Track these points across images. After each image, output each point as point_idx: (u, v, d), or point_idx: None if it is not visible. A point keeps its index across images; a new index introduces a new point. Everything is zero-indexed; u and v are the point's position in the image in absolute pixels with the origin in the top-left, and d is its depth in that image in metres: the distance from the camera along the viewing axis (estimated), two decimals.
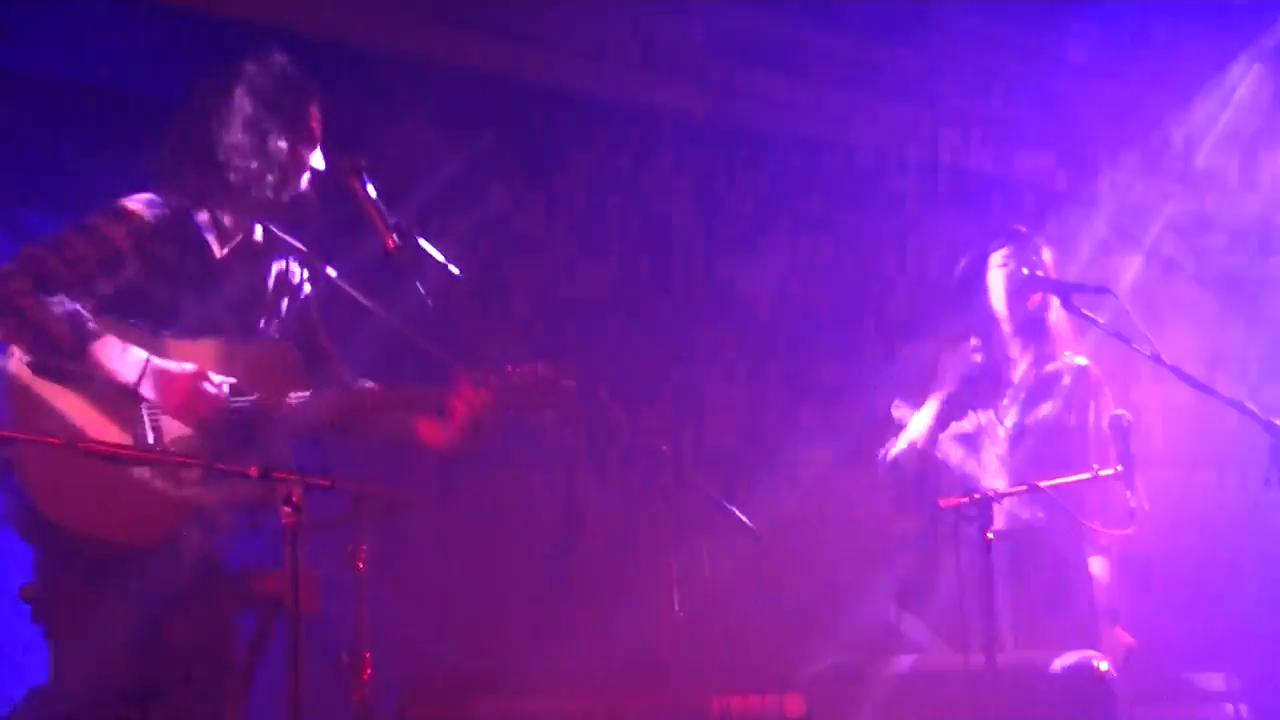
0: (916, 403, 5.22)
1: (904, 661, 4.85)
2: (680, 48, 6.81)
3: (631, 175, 6.60)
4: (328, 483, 3.53)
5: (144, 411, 3.76)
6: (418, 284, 3.96)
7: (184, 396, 3.75)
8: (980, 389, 5.18)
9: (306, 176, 3.99)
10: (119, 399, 3.74)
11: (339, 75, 5.83)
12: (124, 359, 3.72)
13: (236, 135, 3.91)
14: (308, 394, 3.93)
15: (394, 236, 3.96)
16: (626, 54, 6.63)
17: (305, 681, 3.33)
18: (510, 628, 6.25)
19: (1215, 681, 5.28)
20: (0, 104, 5.55)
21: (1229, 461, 6.54)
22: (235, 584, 4.12)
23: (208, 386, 3.78)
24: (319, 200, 4.01)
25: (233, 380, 3.84)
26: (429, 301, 3.96)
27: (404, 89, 6.04)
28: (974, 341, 5.13)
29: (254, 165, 3.91)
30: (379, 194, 4.00)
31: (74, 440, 3.64)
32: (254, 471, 3.40)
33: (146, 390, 3.73)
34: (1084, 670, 4.57)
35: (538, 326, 4.29)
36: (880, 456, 5.19)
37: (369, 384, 4.07)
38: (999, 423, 5.18)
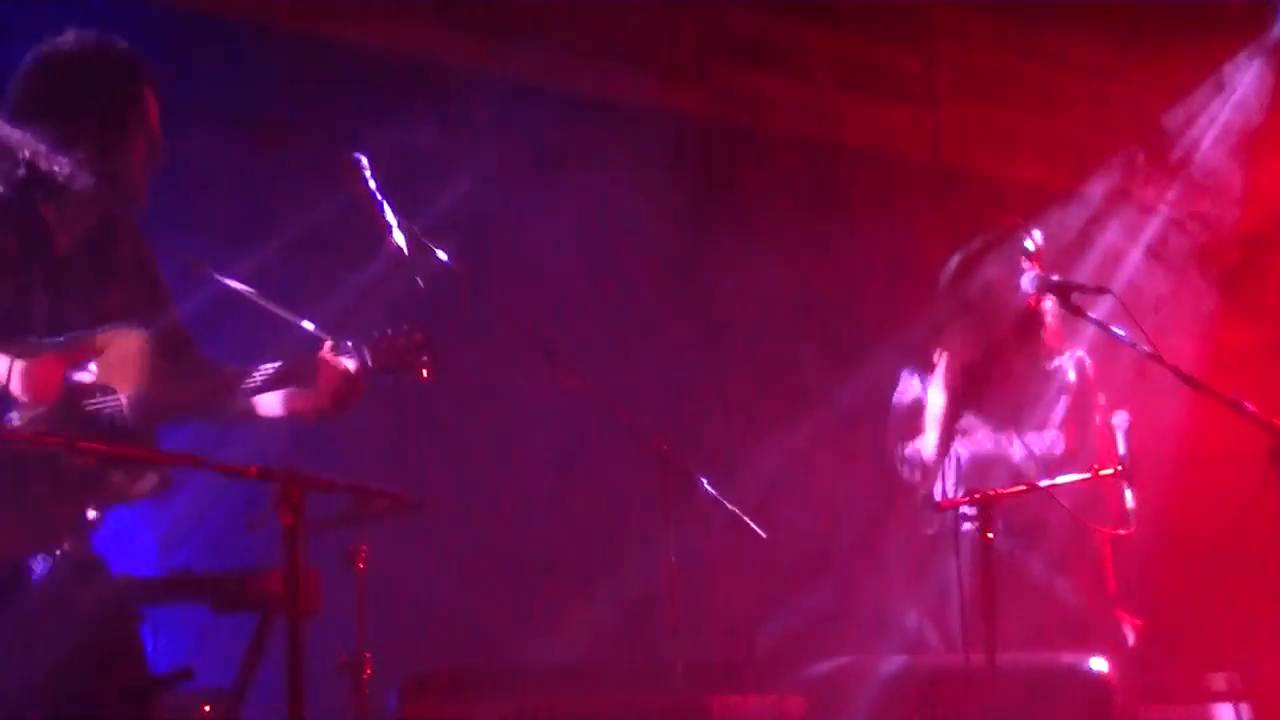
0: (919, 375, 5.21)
1: (904, 661, 4.84)
2: (680, 48, 6.81)
3: (631, 175, 6.60)
4: (328, 483, 3.52)
5: (12, 416, 3.71)
6: (419, 280, 3.95)
7: (57, 387, 3.70)
8: (984, 373, 5.16)
9: (132, 161, 3.91)
10: None
11: (339, 75, 5.85)
12: None
13: (44, 123, 3.85)
14: (172, 381, 3.85)
15: (397, 233, 3.96)
16: (626, 54, 6.63)
17: (305, 681, 3.32)
18: (510, 627, 6.25)
19: (1216, 681, 5.28)
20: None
21: (1229, 462, 6.54)
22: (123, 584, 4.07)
23: (82, 376, 3.73)
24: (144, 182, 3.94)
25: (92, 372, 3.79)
26: (429, 299, 3.96)
27: (404, 88, 6.04)
28: (970, 332, 5.12)
29: (66, 155, 3.84)
30: (382, 191, 3.99)
31: (74, 440, 3.64)
32: (253, 471, 3.39)
33: (16, 389, 3.68)
34: (1084, 670, 4.57)
35: (538, 326, 4.30)
36: (899, 455, 5.16)
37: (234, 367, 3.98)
38: (1023, 446, 5.16)
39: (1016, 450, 5.13)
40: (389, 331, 3.91)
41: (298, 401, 3.99)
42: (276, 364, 3.88)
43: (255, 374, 3.87)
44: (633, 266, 6.70)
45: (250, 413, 4.01)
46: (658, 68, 6.76)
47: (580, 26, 6.54)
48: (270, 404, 4.01)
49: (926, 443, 5.13)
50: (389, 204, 3.98)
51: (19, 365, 3.68)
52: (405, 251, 3.96)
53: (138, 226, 4.01)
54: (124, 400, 3.77)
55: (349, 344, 3.88)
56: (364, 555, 4.83)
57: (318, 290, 5.84)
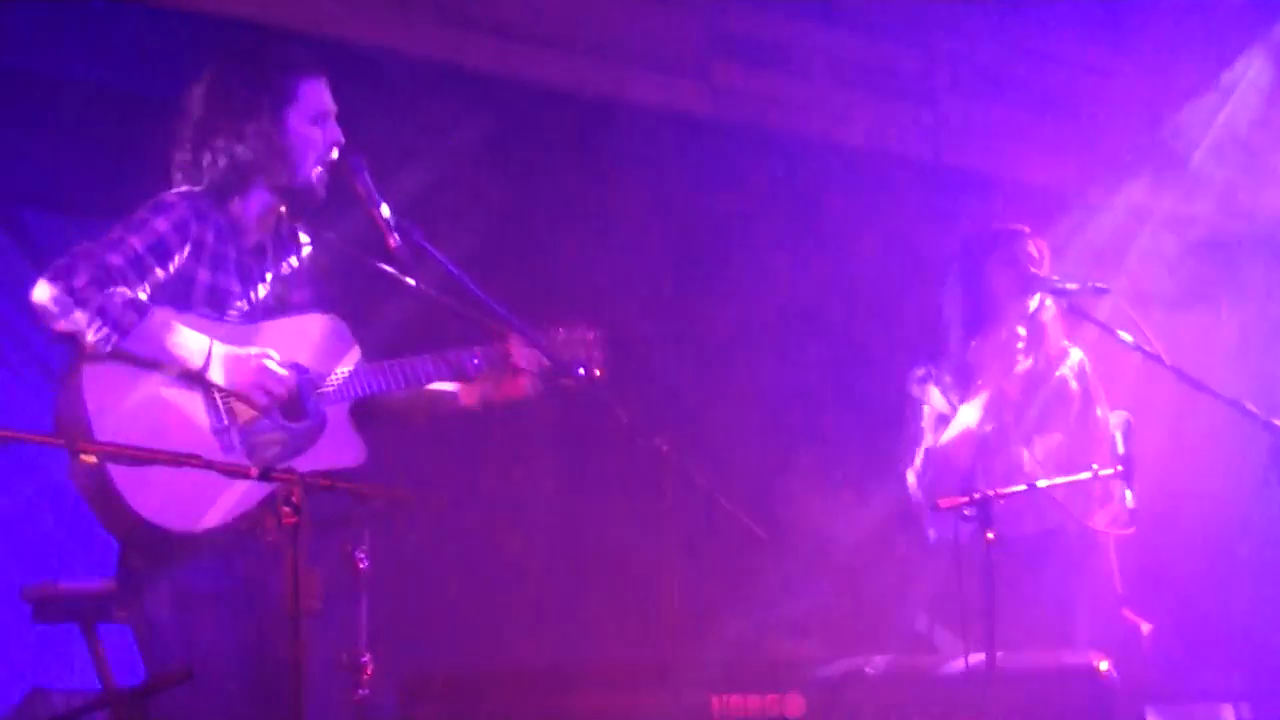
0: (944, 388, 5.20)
1: (903, 661, 4.84)
2: (680, 48, 6.81)
3: (631, 175, 6.61)
4: (328, 483, 3.53)
5: (216, 396, 3.79)
6: (417, 280, 3.97)
7: (252, 376, 3.80)
8: (1005, 396, 5.15)
9: (319, 159, 3.99)
10: (190, 385, 3.78)
11: (339, 74, 5.85)
12: (188, 345, 3.77)
13: (237, 123, 3.93)
14: (377, 365, 4.00)
15: (395, 235, 3.97)
16: (626, 54, 6.63)
17: (305, 681, 3.33)
18: (510, 627, 6.25)
19: (1216, 681, 5.28)
20: (0, 104, 5.56)
21: (1229, 461, 6.54)
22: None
23: (273, 365, 3.82)
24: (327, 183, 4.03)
25: (294, 362, 3.88)
26: (427, 298, 3.97)
27: (404, 88, 6.05)
28: (1020, 331, 5.11)
29: (260, 153, 3.93)
30: (380, 192, 4.00)
31: (73, 440, 3.65)
32: (253, 472, 3.40)
33: (215, 375, 3.77)
34: (1084, 670, 4.57)
35: (538, 324, 4.30)
36: (927, 448, 5.15)
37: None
38: (1030, 452, 5.15)
39: (1025, 458, 5.12)
40: (565, 325, 4.15)
41: (470, 395, 4.17)
42: (477, 351, 4.07)
43: (458, 358, 4.05)
44: (632, 266, 6.71)
45: (447, 401, 4.17)
46: (658, 68, 6.76)
47: (580, 26, 6.54)
48: (468, 391, 4.18)
49: (950, 445, 5.10)
50: (386, 204, 3.99)
51: (217, 350, 3.78)
52: (402, 252, 3.98)
53: (321, 226, 4.11)
54: (317, 375, 3.89)
55: (537, 336, 4.08)
56: (364, 555, 4.83)
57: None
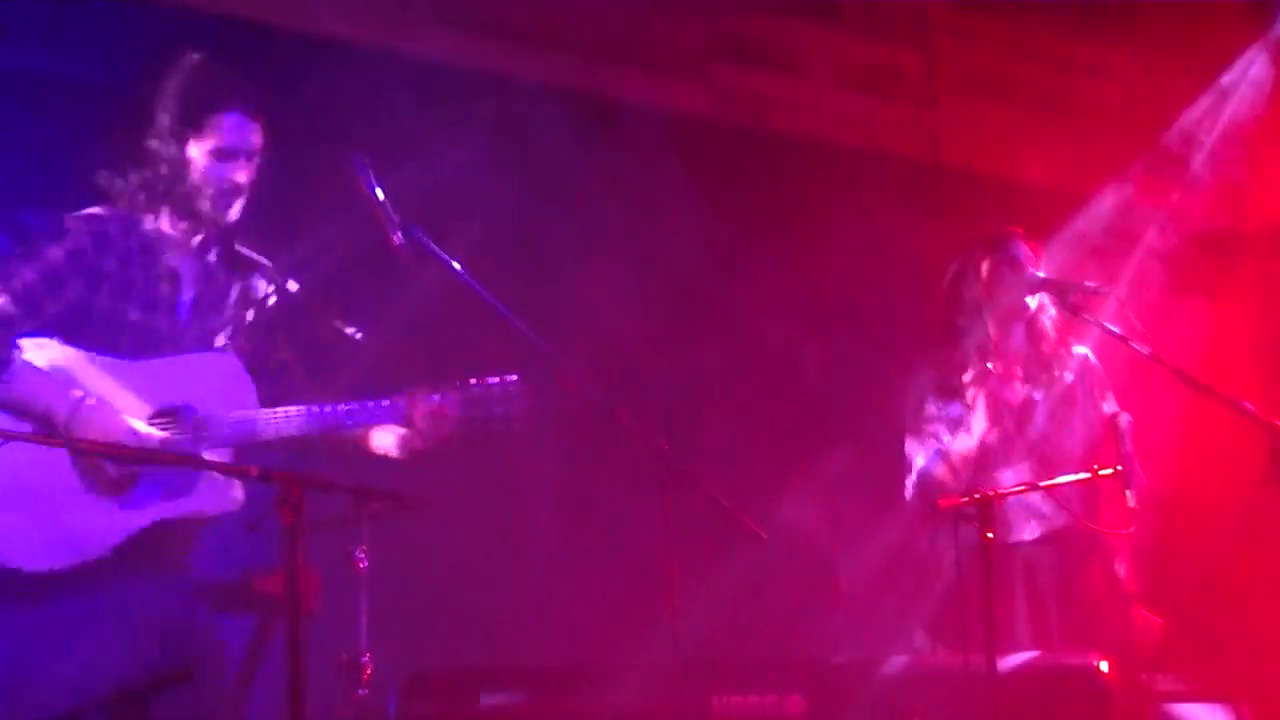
0: (926, 425, 5.20)
1: (904, 661, 4.84)
2: (680, 48, 6.81)
3: (631, 175, 6.60)
4: (328, 483, 3.52)
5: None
6: (422, 281, 3.97)
7: (116, 436, 3.72)
8: (1002, 396, 5.15)
9: (220, 193, 3.93)
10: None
11: (340, 74, 5.85)
12: (52, 396, 3.69)
13: (164, 144, 3.89)
14: (267, 412, 3.90)
15: (399, 234, 3.96)
16: (626, 54, 6.63)
17: (305, 681, 3.32)
18: (510, 626, 6.25)
19: (1216, 681, 5.28)
20: (0, 104, 5.55)
21: (1229, 461, 6.54)
22: (218, 590, 4.10)
23: (137, 425, 3.75)
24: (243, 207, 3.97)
25: (185, 403, 3.82)
26: (429, 298, 3.97)
27: (405, 88, 6.04)
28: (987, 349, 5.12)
29: (184, 177, 3.89)
30: (382, 191, 4.00)
31: (73, 440, 3.64)
32: (253, 471, 3.39)
33: (77, 433, 3.69)
34: (1084, 670, 4.57)
35: (537, 325, 4.30)
36: (920, 470, 5.14)
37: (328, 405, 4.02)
38: (1024, 445, 5.15)
39: (1019, 447, 5.13)
40: (487, 379, 4.02)
41: (410, 441, 4.07)
42: (388, 402, 3.96)
43: (364, 409, 3.95)
44: (632, 266, 6.70)
45: (359, 445, 4.08)
46: (658, 68, 6.76)
47: (580, 26, 6.54)
48: (383, 440, 4.08)
49: (958, 447, 5.10)
50: (389, 204, 3.99)
51: (80, 416, 3.70)
52: (405, 251, 3.97)
53: (235, 252, 4.05)
54: (200, 419, 3.81)
55: (438, 390, 3.99)
56: (364, 555, 4.83)
57: (316, 290, 5.85)
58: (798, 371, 7.07)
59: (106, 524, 3.70)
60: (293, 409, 3.92)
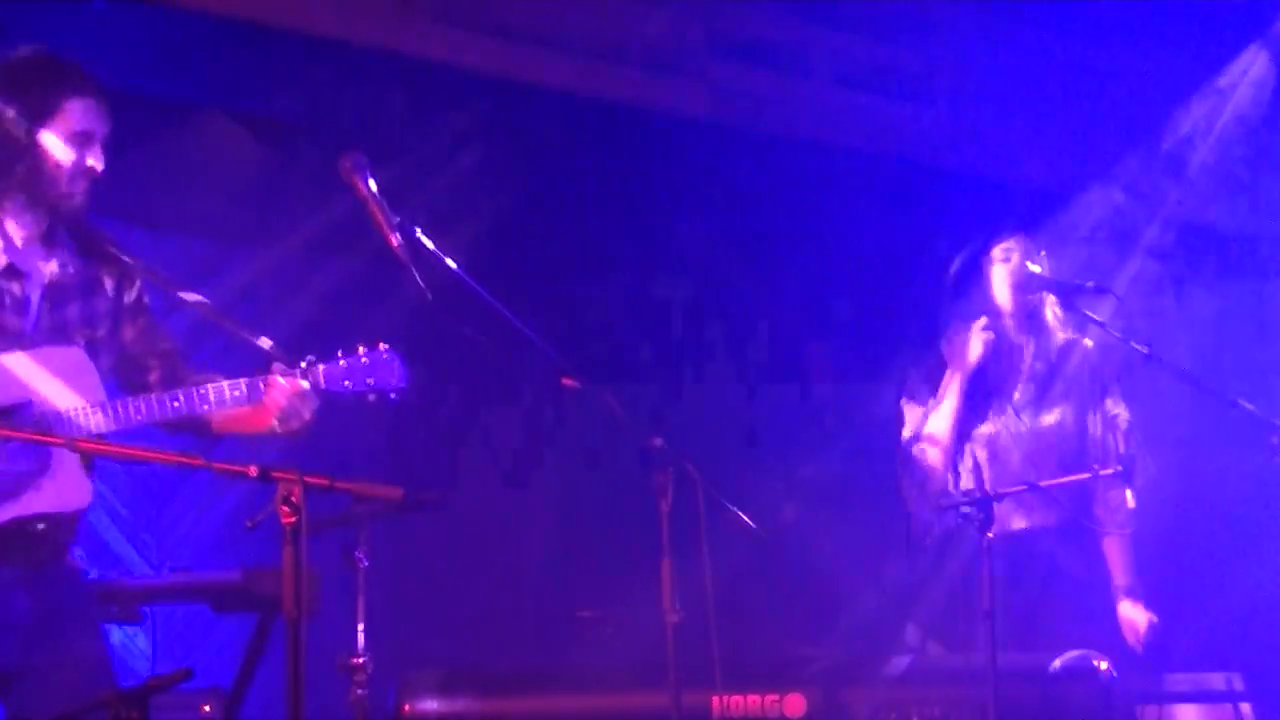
0: (923, 398, 5.20)
1: (903, 661, 4.85)
2: (680, 48, 6.81)
3: (631, 175, 6.60)
4: (328, 483, 3.51)
5: None
6: (417, 279, 3.96)
7: None
8: (995, 370, 5.16)
9: (77, 177, 3.90)
10: None
11: (339, 74, 5.85)
12: None
13: (13, 135, 3.85)
14: (108, 402, 3.85)
15: (397, 234, 3.95)
16: (626, 54, 6.63)
17: (305, 681, 3.32)
18: (510, 626, 6.25)
19: (1216, 681, 5.27)
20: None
21: (1228, 461, 6.54)
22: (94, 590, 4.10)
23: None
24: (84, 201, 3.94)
25: (25, 399, 3.77)
26: (430, 297, 3.96)
27: (404, 88, 6.04)
28: (983, 320, 5.12)
29: (39, 167, 3.86)
30: (380, 192, 4.00)
31: (74, 440, 3.64)
32: (253, 471, 3.39)
33: None
34: (1084, 670, 4.57)
35: (537, 325, 4.29)
36: (902, 451, 5.15)
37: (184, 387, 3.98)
38: (1019, 421, 5.15)
39: (1011, 426, 5.13)
40: (347, 352, 3.96)
41: (248, 421, 4.00)
42: (228, 383, 3.91)
43: (207, 391, 3.89)
44: (631, 267, 6.71)
45: (207, 428, 4.03)
46: (658, 68, 6.75)
47: (580, 26, 6.53)
48: (225, 421, 4.02)
49: (932, 451, 5.10)
50: (388, 204, 3.99)
51: None
52: (404, 251, 3.97)
53: (90, 235, 4.00)
54: (43, 415, 3.78)
55: (302, 365, 3.93)
56: (364, 555, 4.82)
57: (316, 291, 5.87)
58: (798, 370, 7.07)
59: None
60: (140, 399, 3.87)
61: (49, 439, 3.60)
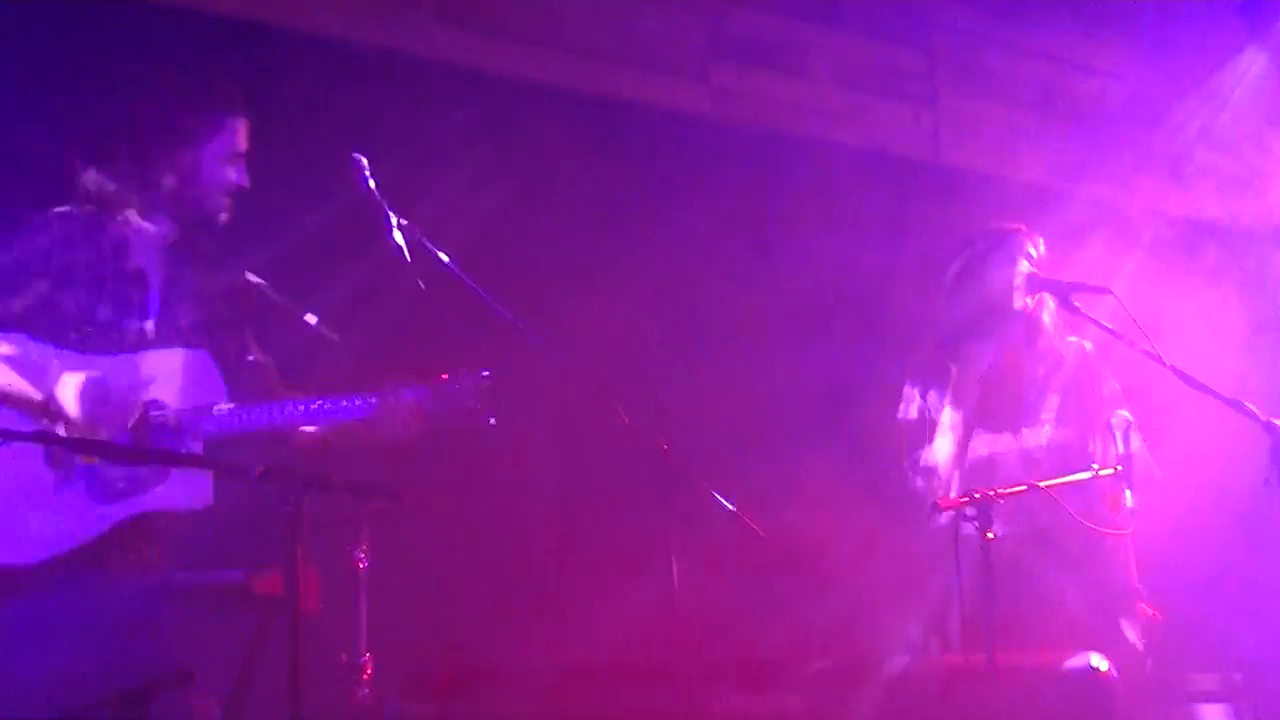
0: (925, 384, 5.20)
1: (904, 661, 4.85)
2: (680, 48, 6.81)
3: (631, 175, 6.60)
4: (328, 482, 3.52)
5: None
6: (419, 280, 3.97)
7: (98, 406, 3.74)
8: (996, 375, 5.15)
9: (226, 196, 3.96)
10: (34, 421, 3.71)
11: (339, 74, 5.85)
12: (26, 376, 3.70)
13: (176, 149, 3.89)
14: (232, 406, 3.91)
15: (397, 233, 3.97)
16: (626, 54, 6.63)
17: (305, 681, 3.33)
18: (510, 626, 6.24)
19: (1216, 681, 5.28)
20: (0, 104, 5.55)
21: (1229, 461, 6.54)
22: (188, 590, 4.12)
23: (120, 397, 3.77)
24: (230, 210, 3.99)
25: (154, 399, 3.82)
26: (428, 297, 3.97)
27: (404, 88, 6.04)
28: (983, 344, 5.13)
29: (171, 184, 3.90)
30: (380, 191, 4.00)
31: (74, 440, 3.64)
32: (254, 472, 3.40)
33: (64, 401, 3.70)
34: (1084, 670, 4.57)
35: (537, 325, 4.30)
36: (903, 479, 5.15)
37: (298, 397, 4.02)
38: (1019, 441, 5.15)
39: (1008, 445, 5.12)
40: (459, 375, 4.05)
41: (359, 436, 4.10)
42: (340, 398, 3.97)
43: (335, 406, 3.97)
44: (631, 267, 6.70)
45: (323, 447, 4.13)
46: (658, 68, 6.76)
47: (580, 26, 6.54)
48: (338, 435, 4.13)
49: (939, 452, 5.12)
50: (387, 204, 3.99)
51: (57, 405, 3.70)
52: (404, 252, 3.97)
53: (211, 250, 4.05)
54: (173, 412, 3.80)
55: (410, 386, 4.03)
56: (364, 555, 4.83)
57: (316, 290, 5.86)
58: (798, 370, 7.06)
59: (80, 518, 3.72)
60: (262, 405, 3.93)
61: (47, 439, 3.61)
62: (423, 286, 3.99)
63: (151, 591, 3.92)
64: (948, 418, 5.12)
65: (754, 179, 6.94)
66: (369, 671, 4.74)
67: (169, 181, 3.90)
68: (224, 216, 3.99)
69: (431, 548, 6.02)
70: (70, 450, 3.65)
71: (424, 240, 4.00)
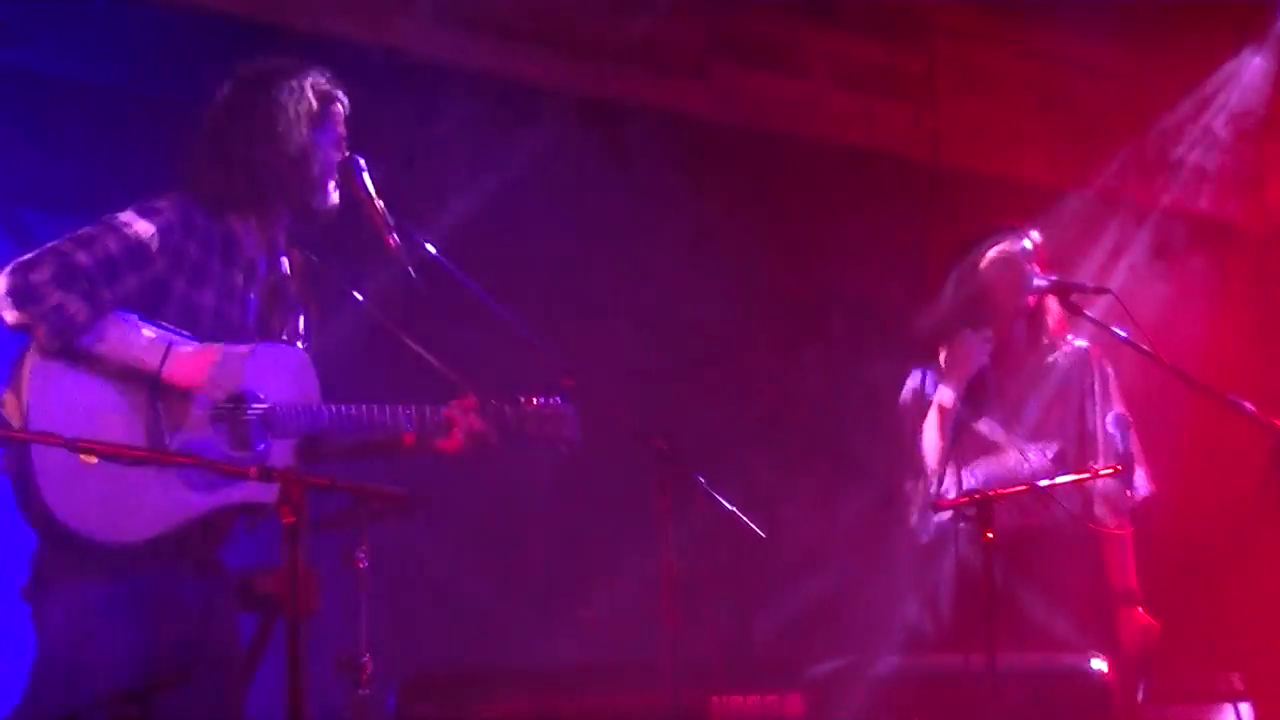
0: (924, 378, 5.20)
1: (903, 661, 4.84)
2: (680, 48, 6.82)
3: (630, 175, 6.60)
4: (328, 483, 3.52)
5: (160, 409, 3.76)
6: (417, 281, 3.97)
7: (207, 370, 3.77)
8: (994, 376, 5.15)
9: (334, 184, 4.00)
10: (136, 393, 3.74)
11: (339, 75, 5.85)
12: (145, 344, 3.73)
13: (269, 140, 3.92)
14: (331, 407, 3.96)
15: (394, 236, 3.97)
16: (626, 54, 6.63)
17: (305, 681, 3.33)
18: (510, 627, 6.25)
19: (1216, 681, 5.28)
20: (0, 103, 5.55)
21: (1229, 462, 6.54)
22: (236, 584, 4.15)
23: (228, 362, 3.80)
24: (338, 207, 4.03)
25: (255, 394, 3.86)
26: (426, 298, 3.98)
27: (404, 88, 6.05)
28: (985, 332, 5.12)
29: (286, 171, 3.92)
30: (380, 193, 4.00)
31: (75, 440, 3.64)
32: (254, 471, 3.39)
33: (171, 371, 3.73)
34: (1084, 670, 4.57)
35: (536, 325, 4.30)
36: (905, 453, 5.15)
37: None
38: (1019, 454, 5.14)
39: (1017, 462, 5.12)
40: (534, 400, 4.12)
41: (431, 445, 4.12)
42: (430, 412, 4.03)
43: (421, 416, 4.02)
44: (632, 267, 6.70)
45: (388, 446, 4.14)
46: (658, 68, 6.76)
47: (580, 26, 6.54)
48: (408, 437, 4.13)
49: (928, 445, 5.12)
50: (386, 205, 3.99)
51: (175, 350, 3.75)
52: (401, 252, 3.98)
53: (309, 256, 4.12)
54: (270, 408, 3.85)
55: (490, 402, 4.08)
56: (364, 555, 4.83)
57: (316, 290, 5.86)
58: (798, 370, 7.07)
59: (169, 504, 3.74)
60: (353, 407, 3.97)
61: (47, 439, 3.61)
62: (421, 287, 3.99)
63: (224, 581, 3.99)
64: (940, 412, 5.12)
65: (754, 179, 6.95)
66: (369, 671, 4.74)
67: (292, 180, 3.92)
68: (333, 202, 4.00)
69: (431, 548, 6.02)
70: (71, 450, 3.64)
71: (422, 242, 4.01)
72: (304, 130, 3.95)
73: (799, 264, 7.10)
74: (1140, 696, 4.98)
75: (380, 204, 4.00)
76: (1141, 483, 4.96)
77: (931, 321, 5.28)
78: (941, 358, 5.19)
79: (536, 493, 6.46)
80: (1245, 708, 5.17)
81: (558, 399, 4.15)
